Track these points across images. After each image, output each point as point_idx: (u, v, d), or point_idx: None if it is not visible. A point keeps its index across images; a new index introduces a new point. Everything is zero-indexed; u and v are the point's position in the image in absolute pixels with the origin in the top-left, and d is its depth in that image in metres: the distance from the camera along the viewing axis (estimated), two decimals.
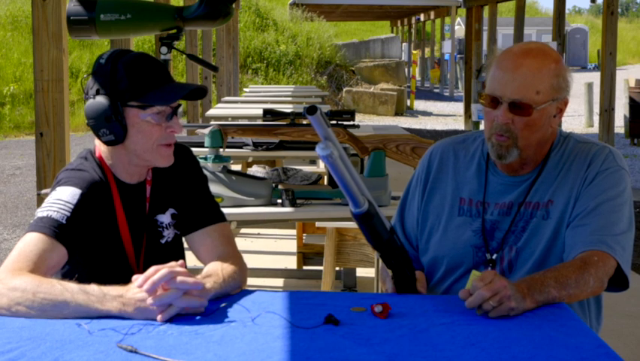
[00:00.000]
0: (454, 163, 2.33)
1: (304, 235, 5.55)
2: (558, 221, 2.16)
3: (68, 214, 2.02)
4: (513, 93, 2.12)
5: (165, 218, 2.23)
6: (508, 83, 2.12)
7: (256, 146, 4.70)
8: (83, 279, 1.87)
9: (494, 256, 2.19)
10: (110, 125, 2.09)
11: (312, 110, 1.71)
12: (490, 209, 2.23)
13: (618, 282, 2.12)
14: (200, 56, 11.27)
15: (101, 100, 2.09)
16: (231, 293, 2.00)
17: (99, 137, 2.13)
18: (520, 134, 2.14)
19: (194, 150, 2.46)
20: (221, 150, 3.48)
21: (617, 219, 2.12)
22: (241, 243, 6.34)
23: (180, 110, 2.17)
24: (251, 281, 4.54)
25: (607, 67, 10.62)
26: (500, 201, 2.23)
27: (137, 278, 1.80)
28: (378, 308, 1.83)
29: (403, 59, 28.41)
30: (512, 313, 1.85)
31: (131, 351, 1.60)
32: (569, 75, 2.18)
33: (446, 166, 2.33)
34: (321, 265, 4.97)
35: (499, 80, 2.14)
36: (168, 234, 2.24)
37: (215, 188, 3.29)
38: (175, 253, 2.22)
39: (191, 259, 2.31)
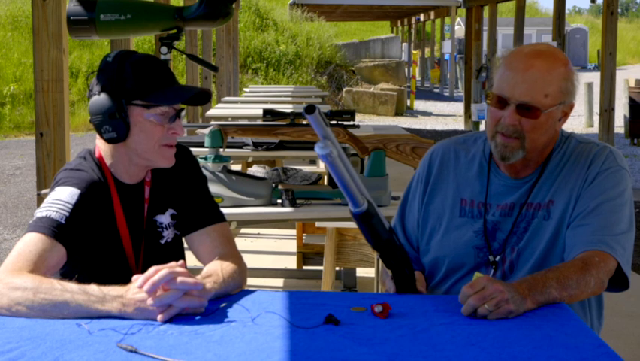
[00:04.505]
0: (455, 164, 2.32)
1: (304, 235, 5.55)
2: (559, 221, 2.16)
3: (67, 214, 2.02)
4: (522, 95, 2.10)
5: (165, 218, 2.23)
6: (518, 85, 2.11)
7: (256, 146, 4.70)
8: (83, 279, 1.86)
9: (497, 258, 2.19)
10: (113, 122, 2.09)
11: (310, 109, 1.71)
12: (492, 210, 2.23)
13: (618, 282, 2.12)
14: (200, 56, 11.27)
15: (105, 97, 2.10)
16: (231, 293, 2.00)
17: (101, 134, 2.12)
18: (527, 136, 2.13)
19: (194, 150, 2.46)
20: (221, 150, 3.48)
21: (617, 219, 2.12)
22: (241, 243, 6.34)
23: (183, 113, 2.18)
24: (251, 281, 4.54)
25: (607, 67, 10.62)
26: (502, 202, 2.22)
27: (137, 278, 1.80)
28: (378, 308, 1.83)
29: (403, 59, 28.41)
30: (512, 315, 1.84)
31: (131, 351, 1.59)
32: (577, 79, 2.17)
33: (447, 167, 2.33)
34: (321, 265, 4.97)
35: (508, 80, 2.13)
36: (168, 234, 2.24)
37: (215, 188, 3.29)
38: (175, 253, 2.22)
39: (191, 259, 2.31)
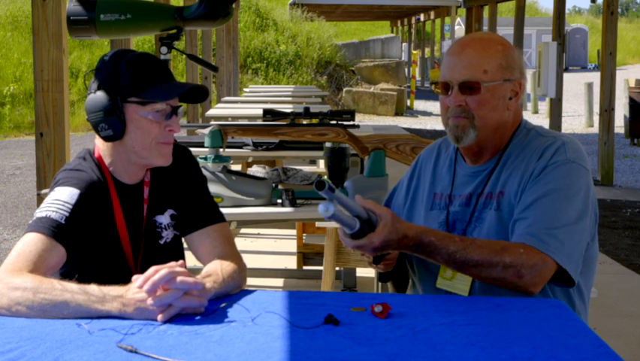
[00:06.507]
0: (435, 161, 2.38)
1: (304, 235, 5.54)
2: (507, 214, 2.15)
3: (67, 214, 2.02)
4: (461, 75, 2.17)
5: (164, 219, 2.23)
6: (456, 66, 2.18)
7: (256, 146, 4.70)
8: (83, 279, 1.86)
9: None
10: (109, 120, 2.10)
11: (320, 185, 1.76)
12: (455, 201, 2.27)
13: (564, 278, 2.08)
14: (200, 56, 11.27)
15: (101, 95, 2.10)
16: (231, 293, 2.00)
17: (98, 132, 2.13)
18: (475, 113, 2.17)
19: (194, 150, 2.46)
20: (221, 150, 3.48)
21: (558, 211, 2.08)
22: (241, 243, 6.34)
23: (181, 110, 2.17)
24: (251, 281, 4.54)
25: (607, 67, 10.63)
26: (463, 193, 2.26)
27: (137, 278, 1.80)
28: (378, 308, 1.83)
29: (403, 59, 28.41)
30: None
31: (131, 351, 1.59)
32: (518, 56, 2.21)
33: (428, 165, 2.38)
34: (321, 265, 4.97)
35: (448, 65, 2.21)
36: (167, 234, 2.24)
37: (215, 188, 3.29)
38: (174, 253, 2.22)
39: (191, 259, 2.31)
